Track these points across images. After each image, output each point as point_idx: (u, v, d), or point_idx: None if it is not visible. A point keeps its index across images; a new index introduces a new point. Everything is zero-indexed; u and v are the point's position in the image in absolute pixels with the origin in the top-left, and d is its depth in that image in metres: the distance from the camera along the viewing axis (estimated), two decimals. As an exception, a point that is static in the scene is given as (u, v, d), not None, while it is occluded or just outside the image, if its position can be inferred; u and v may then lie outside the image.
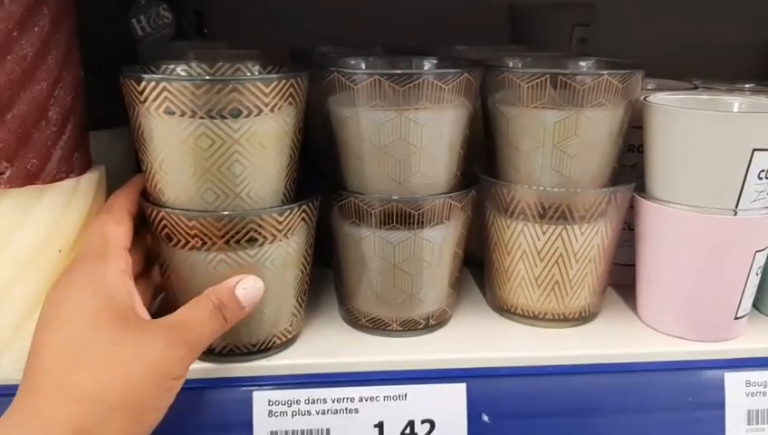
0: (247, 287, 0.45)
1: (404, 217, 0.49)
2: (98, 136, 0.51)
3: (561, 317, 0.54)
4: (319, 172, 0.52)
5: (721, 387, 0.50)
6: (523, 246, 0.52)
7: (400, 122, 0.47)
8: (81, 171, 0.47)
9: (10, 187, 0.43)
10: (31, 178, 0.44)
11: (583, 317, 0.54)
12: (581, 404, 0.49)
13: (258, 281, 0.45)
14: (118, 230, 0.45)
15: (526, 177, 0.51)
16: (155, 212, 0.45)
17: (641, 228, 0.53)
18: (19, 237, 0.44)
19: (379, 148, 0.48)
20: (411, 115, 0.47)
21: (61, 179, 0.45)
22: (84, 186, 0.47)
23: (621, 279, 0.59)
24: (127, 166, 0.57)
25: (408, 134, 0.47)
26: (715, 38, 0.96)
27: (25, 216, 0.44)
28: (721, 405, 0.50)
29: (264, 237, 0.46)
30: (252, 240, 0.45)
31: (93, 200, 0.47)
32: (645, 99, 0.52)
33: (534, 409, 0.49)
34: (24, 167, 0.43)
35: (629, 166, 0.57)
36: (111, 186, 0.49)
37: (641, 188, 0.53)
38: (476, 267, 0.61)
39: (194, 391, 0.47)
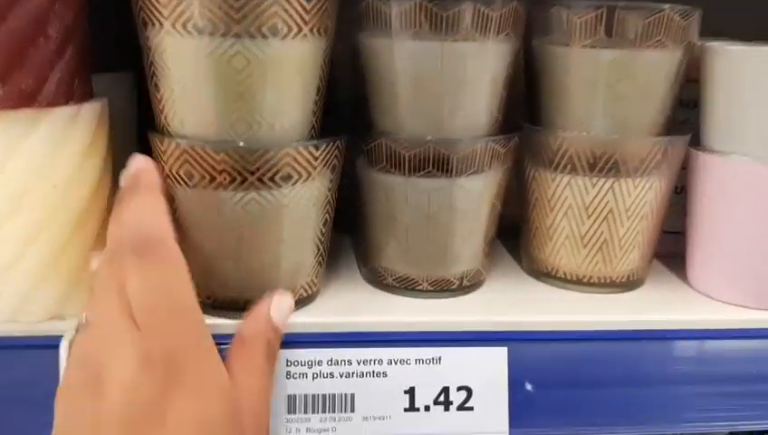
0: (282, 308, 0.40)
1: (440, 161, 0.44)
2: (97, 79, 0.46)
3: (608, 281, 0.49)
4: (338, 118, 0.47)
5: (785, 358, 0.45)
6: (568, 201, 0.47)
7: (441, 53, 0.42)
8: (82, 100, 0.42)
9: (1, 108, 0.38)
10: (25, 99, 0.38)
11: (631, 282, 0.50)
12: (633, 373, 0.44)
13: (288, 297, 0.41)
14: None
15: (575, 123, 0.47)
16: (174, 146, 0.40)
17: (697, 185, 0.48)
18: (10, 168, 0.39)
19: (415, 82, 0.43)
20: (453, 46, 0.42)
21: (58, 105, 0.40)
22: (84, 116, 0.41)
23: (667, 249, 0.54)
24: (127, 113, 0.52)
25: (449, 67, 0.42)
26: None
27: (18, 144, 0.39)
28: (785, 378, 0.45)
29: (299, 174, 0.41)
30: (286, 177, 0.40)
31: (93, 135, 0.42)
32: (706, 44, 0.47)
33: (581, 377, 0.44)
34: (18, 87, 0.38)
35: (680, 122, 0.52)
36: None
37: (695, 143, 0.49)
38: (506, 235, 0.56)
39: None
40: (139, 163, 0.41)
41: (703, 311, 0.47)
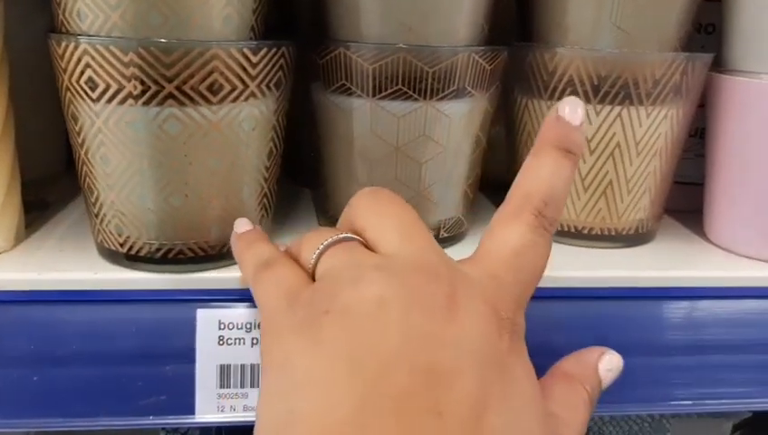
0: (612, 369, 0.31)
1: (413, 77, 0.35)
2: None
3: (613, 233, 0.41)
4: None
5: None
6: (566, 133, 0.39)
7: (413, -64, 0.34)
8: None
9: None
10: None
11: (640, 235, 0.41)
12: (643, 339, 0.37)
13: (621, 360, 0.32)
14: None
15: (575, 37, 0.38)
16: (72, 47, 0.31)
17: (719, 116, 0.40)
18: None
19: (380, -24, 0.34)
20: (428, -73, 0.33)
21: None
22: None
23: (680, 204, 0.46)
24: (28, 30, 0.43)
25: (423, -46, 0.34)
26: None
27: None
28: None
29: (233, 86, 0.32)
30: (215, 89, 0.32)
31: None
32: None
33: (581, 342, 0.36)
34: None
35: (698, 48, 0.44)
36: (31, 68, 0.36)
37: (716, 69, 0.41)
38: (492, 191, 0.48)
39: (110, 306, 0.33)
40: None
41: (726, 267, 0.39)
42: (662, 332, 0.37)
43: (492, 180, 0.44)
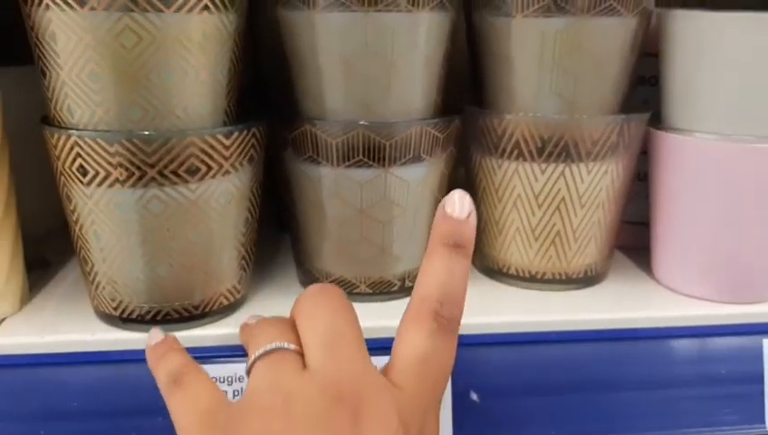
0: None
1: (372, 149, 0.39)
2: (6, 73, 0.42)
3: (563, 278, 0.45)
4: (264, 102, 0.43)
5: (758, 357, 0.41)
6: (517, 190, 0.43)
7: (365, 27, 0.37)
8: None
9: None
10: None
11: (589, 278, 0.45)
12: (590, 378, 0.40)
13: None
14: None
15: (521, 104, 0.42)
16: (64, 139, 0.35)
17: (659, 169, 0.44)
18: None
19: (339, 61, 0.38)
20: (379, 17, 0.37)
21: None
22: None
23: (630, 241, 0.50)
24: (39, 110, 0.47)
25: (376, 42, 0.38)
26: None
27: None
28: (759, 378, 0.41)
29: (209, 167, 0.36)
30: (192, 170, 0.36)
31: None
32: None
33: (533, 384, 0.40)
34: None
35: (641, 101, 0.48)
36: (26, 134, 0.40)
37: (656, 122, 0.44)
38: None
39: (108, 365, 0.37)
40: None
41: (667, 307, 0.43)
42: (599, 371, 0.40)
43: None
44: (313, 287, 0.33)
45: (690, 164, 0.42)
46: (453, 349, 0.31)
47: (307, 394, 0.28)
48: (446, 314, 0.30)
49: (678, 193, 0.43)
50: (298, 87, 0.41)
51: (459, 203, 0.31)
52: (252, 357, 0.31)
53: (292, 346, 0.31)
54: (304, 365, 0.30)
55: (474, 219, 0.31)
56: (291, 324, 0.32)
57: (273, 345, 0.31)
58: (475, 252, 0.47)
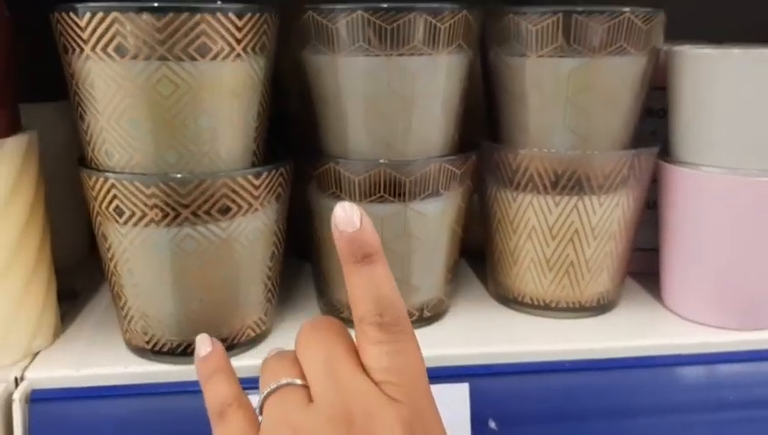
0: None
1: (393, 185, 0.41)
2: (41, 109, 0.44)
3: (576, 306, 0.46)
4: (287, 140, 0.44)
5: (767, 382, 0.43)
6: (531, 222, 0.45)
7: (387, 70, 0.39)
8: (6, 133, 0.39)
9: None
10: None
11: (601, 306, 0.47)
12: (604, 405, 0.42)
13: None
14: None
15: (535, 139, 0.44)
16: (102, 181, 0.37)
17: (668, 200, 0.45)
18: None
19: (362, 102, 0.40)
20: (401, 61, 0.39)
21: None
22: (9, 150, 0.38)
23: (641, 267, 0.51)
24: (74, 142, 0.49)
25: (397, 84, 0.39)
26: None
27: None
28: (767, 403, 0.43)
29: (239, 206, 0.38)
30: (223, 210, 0.37)
31: (19, 171, 0.39)
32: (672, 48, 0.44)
33: (550, 412, 0.41)
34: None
35: (649, 133, 0.50)
36: (55, 165, 0.41)
37: (665, 155, 0.46)
38: (474, 257, 0.54)
39: (140, 398, 0.39)
40: None
41: (678, 334, 0.44)
42: (612, 398, 0.42)
43: (473, 247, 0.50)
44: (308, 322, 0.33)
45: (697, 196, 0.43)
46: (414, 342, 0.31)
47: (314, 425, 0.29)
48: (389, 319, 0.30)
49: (686, 224, 0.44)
50: (321, 126, 0.42)
51: (345, 217, 0.30)
52: (260, 397, 0.32)
53: (298, 381, 0.31)
54: (311, 397, 0.31)
55: (367, 221, 0.30)
56: (295, 359, 0.33)
57: (279, 383, 0.31)
58: (490, 280, 0.49)
